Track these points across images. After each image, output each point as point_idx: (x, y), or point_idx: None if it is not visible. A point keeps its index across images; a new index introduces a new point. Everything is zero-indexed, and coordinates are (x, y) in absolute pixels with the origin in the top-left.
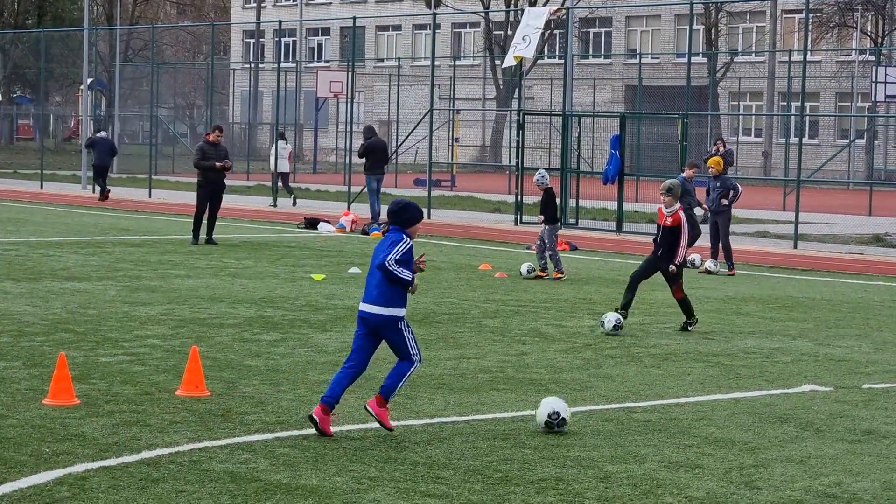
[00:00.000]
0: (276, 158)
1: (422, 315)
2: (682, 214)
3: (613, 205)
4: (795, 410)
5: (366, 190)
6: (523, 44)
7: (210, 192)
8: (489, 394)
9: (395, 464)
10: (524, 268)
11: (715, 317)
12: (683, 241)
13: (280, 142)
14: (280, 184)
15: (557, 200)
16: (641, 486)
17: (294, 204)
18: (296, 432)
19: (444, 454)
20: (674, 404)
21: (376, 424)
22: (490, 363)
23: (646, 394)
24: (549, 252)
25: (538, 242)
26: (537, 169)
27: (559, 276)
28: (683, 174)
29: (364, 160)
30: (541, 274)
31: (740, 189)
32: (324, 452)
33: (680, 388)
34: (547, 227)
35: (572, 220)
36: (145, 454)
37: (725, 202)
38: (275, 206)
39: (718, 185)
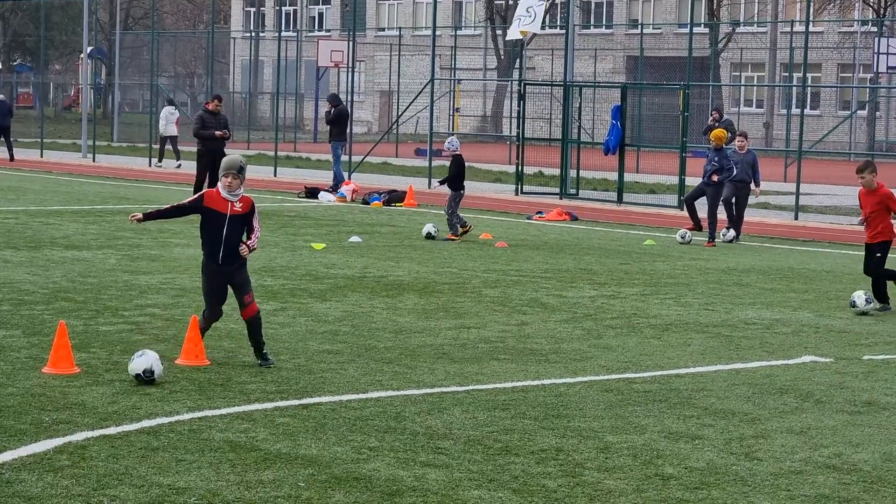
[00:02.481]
0: (167, 123)
1: (422, 284)
2: (251, 198)
3: (614, 175)
4: (796, 381)
5: (332, 157)
6: (528, 16)
7: (210, 161)
8: (489, 364)
9: (394, 434)
10: (427, 228)
11: (716, 287)
12: (258, 229)
13: (169, 107)
14: (168, 146)
15: (463, 167)
16: (641, 456)
17: (178, 166)
18: (295, 402)
19: (444, 424)
20: (674, 375)
21: (376, 394)
22: (490, 333)
23: (646, 364)
24: (448, 215)
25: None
26: (544, 138)
27: (453, 237)
28: (736, 144)
29: (331, 127)
30: (452, 237)
31: (735, 171)
32: (323, 422)
33: (680, 358)
34: (451, 192)
35: (573, 191)
36: (145, 423)
37: (716, 178)
38: (160, 165)
39: (716, 159)
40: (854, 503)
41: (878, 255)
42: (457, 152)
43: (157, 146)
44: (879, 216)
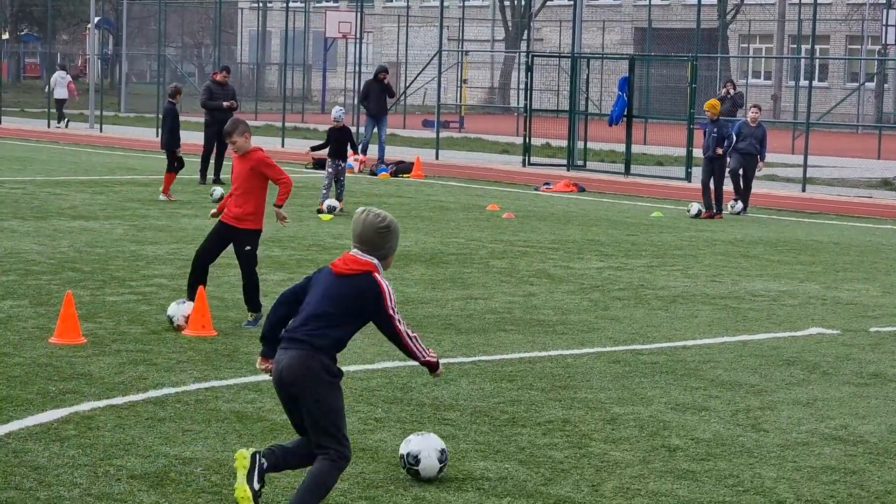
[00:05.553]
0: (56, 86)
1: (429, 255)
2: None
3: (622, 147)
4: (802, 353)
5: (376, 132)
6: None
7: (217, 132)
8: (496, 335)
9: (401, 404)
10: (327, 204)
11: (723, 259)
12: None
13: (60, 72)
14: (56, 109)
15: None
16: (648, 427)
17: (66, 126)
18: None
19: (451, 395)
20: (681, 346)
21: (383, 365)
22: (497, 304)
23: (653, 336)
24: (340, 186)
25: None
26: (551, 110)
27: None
28: (749, 116)
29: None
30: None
31: (735, 139)
32: None
33: (687, 330)
34: (342, 163)
35: (580, 162)
36: (152, 393)
37: (720, 151)
38: (59, 126)
39: (715, 130)
40: (860, 475)
41: (248, 248)
42: (343, 123)
43: (55, 110)
44: (253, 189)
